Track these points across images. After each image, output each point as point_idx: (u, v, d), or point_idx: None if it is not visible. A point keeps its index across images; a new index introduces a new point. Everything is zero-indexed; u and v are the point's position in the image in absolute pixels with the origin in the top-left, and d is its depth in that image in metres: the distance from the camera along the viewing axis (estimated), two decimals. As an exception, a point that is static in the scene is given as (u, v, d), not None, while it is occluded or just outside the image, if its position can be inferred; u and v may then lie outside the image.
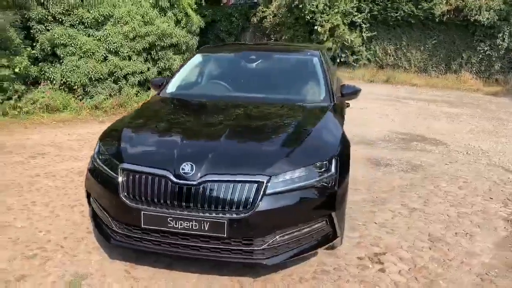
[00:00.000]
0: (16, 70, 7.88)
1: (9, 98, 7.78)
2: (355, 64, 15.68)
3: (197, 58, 4.37)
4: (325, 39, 15.09)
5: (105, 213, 2.78)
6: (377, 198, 4.36)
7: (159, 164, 2.61)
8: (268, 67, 4.19)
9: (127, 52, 9.20)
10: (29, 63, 8.25)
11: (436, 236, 3.55)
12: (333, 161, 2.78)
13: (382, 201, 4.28)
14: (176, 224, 2.52)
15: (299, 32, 16.09)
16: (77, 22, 8.93)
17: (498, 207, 4.19)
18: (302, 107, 3.51)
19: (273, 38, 17.36)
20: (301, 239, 2.70)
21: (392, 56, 15.54)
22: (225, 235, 2.50)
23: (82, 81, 8.64)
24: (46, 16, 8.62)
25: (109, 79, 9.02)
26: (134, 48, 9.25)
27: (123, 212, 2.64)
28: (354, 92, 3.90)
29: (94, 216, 2.97)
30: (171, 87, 3.99)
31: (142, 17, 9.27)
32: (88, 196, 3.04)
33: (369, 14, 15.18)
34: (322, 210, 2.71)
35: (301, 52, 4.52)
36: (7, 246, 3.14)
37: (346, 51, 15.50)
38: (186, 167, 2.54)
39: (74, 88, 8.71)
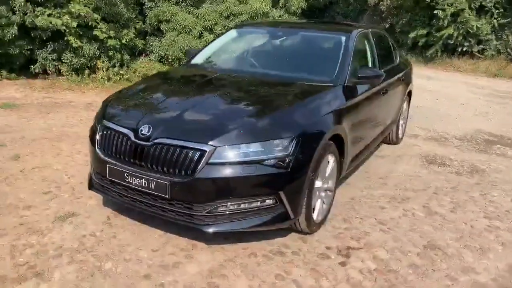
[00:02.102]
0: (123, 41, 8.95)
1: (114, 66, 8.91)
2: (480, 55, 13.83)
3: (231, 33, 4.47)
4: (445, 25, 13.59)
5: (90, 163, 3.16)
6: (399, 195, 3.98)
7: (126, 124, 2.86)
8: (292, 45, 4.09)
9: (220, 30, 9.68)
10: (134, 36, 9.27)
11: (435, 244, 3.14)
12: (293, 141, 2.68)
13: (402, 199, 3.90)
14: (130, 179, 2.75)
15: (418, 17, 14.75)
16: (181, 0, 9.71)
17: (546, 228, 3.48)
18: (302, 85, 3.39)
19: (389, 23, 16.26)
20: (247, 213, 2.69)
21: (529, 48, 13.29)
22: (168, 196, 2.64)
23: (177, 55, 9.42)
24: (156, -7, 9.55)
25: (201, 54, 9.64)
26: (227, 26, 9.69)
27: (97, 163, 2.98)
28: (373, 77, 3.58)
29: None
30: (197, 58, 4.19)
31: (239, -4, 9.61)
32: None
33: (504, -3, 13.17)
34: (269, 189, 2.65)
35: (333, 31, 4.27)
36: (35, 182, 3.76)
37: (470, 39, 13.73)
38: (145, 129, 2.73)
39: (169, 61, 9.56)
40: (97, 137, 2.97)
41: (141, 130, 2.73)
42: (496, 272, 2.85)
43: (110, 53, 8.73)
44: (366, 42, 4.26)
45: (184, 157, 2.59)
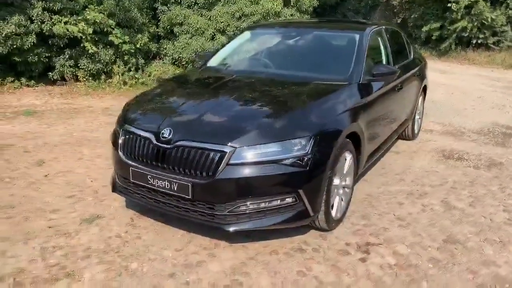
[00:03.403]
0: (138, 45, 9.10)
1: (129, 70, 9.07)
2: (495, 47, 13.63)
3: (245, 34, 4.53)
4: (459, 17, 13.42)
5: (113, 167, 3.26)
6: (417, 191, 4.00)
7: (147, 128, 2.94)
8: (306, 45, 4.12)
9: (233, 31, 9.76)
10: (148, 40, 9.42)
11: (455, 238, 3.16)
12: (311, 140, 2.73)
13: (420, 194, 3.92)
14: (154, 182, 2.83)
15: (431, 10, 14.60)
16: (193, 2, 9.81)
17: None
18: (317, 84, 3.43)
19: (402, 17, 16.14)
20: (267, 212, 2.75)
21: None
22: (190, 197, 2.72)
23: (190, 57, 9.54)
24: (169, -3, 9.69)
25: (214, 56, 9.73)
26: (240, 27, 9.76)
27: (120, 167, 3.07)
28: (387, 74, 3.60)
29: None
30: (212, 61, 4.27)
31: (251, -4, 9.67)
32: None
33: (519, -13, 12.96)
34: (289, 187, 2.71)
35: (346, 29, 4.29)
36: (60, 186, 3.89)
37: (485, 31, 13.54)
38: (166, 132, 2.81)
39: (183, 63, 9.68)
40: (120, 141, 3.07)
41: (163, 134, 2.82)
42: (518, 265, 2.86)
43: (126, 57, 8.90)
44: (379, 39, 4.28)
45: (204, 159, 2.67)
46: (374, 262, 2.84)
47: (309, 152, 2.71)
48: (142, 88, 8.80)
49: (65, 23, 8.01)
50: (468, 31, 13.50)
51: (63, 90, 8.27)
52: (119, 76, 8.85)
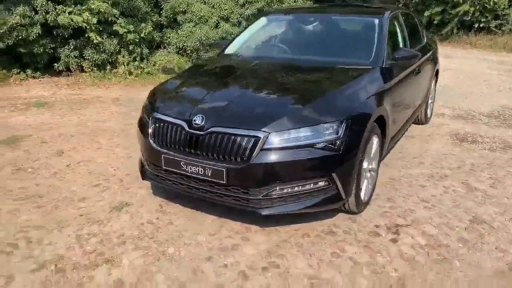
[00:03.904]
0: (142, 35, 9.03)
1: (134, 60, 9.01)
2: (497, 30, 13.64)
3: (262, 20, 4.52)
4: (461, 1, 13.42)
5: (142, 154, 3.27)
6: (437, 173, 4.05)
7: (178, 115, 2.95)
8: (325, 30, 4.12)
9: (237, 18, 9.71)
10: (152, 29, 9.35)
11: (481, 218, 3.22)
12: (343, 124, 2.76)
13: (441, 177, 3.97)
14: (187, 168, 2.86)
15: (431, -6, 14.58)
16: (196, -10, 9.72)
17: None
18: (341, 69, 3.46)
19: (402, 2, 16.08)
20: (301, 195, 2.78)
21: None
22: (224, 182, 2.75)
23: (195, 46, 9.49)
24: (169, -15, 9.59)
25: (219, 44, 9.66)
26: (243, 14, 9.71)
27: (151, 154, 3.09)
28: (409, 57, 3.62)
29: (140, 158, 3.50)
30: (230, 49, 4.26)
31: (254, -17, 9.60)
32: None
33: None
34: (322, 171, 2.74)
35: (364, 15, 4.30)
36: (83, 176, 3.91)
37: (487, 15, 13.55)
38: (198, 119, 2.83)
39: (188, 52, 9.63)
40: (150, 129, 3.08)
41: (194, 120, 2.83)
42: (545, 242, 2.92)
43: (130, 47, 8.83)
44: (396, 23, 4.28)
45: (238, 144, 2.69)
46: (405, 242, 2.89)
47: (341, 136, 2.74)
48: (147, 78, 8.78)
49: (70, 13, 7.93)
50: (470, 15, 13.51)
51: (69, 81, 8.23)
52: (124, 66, 8.81)
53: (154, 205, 3.37)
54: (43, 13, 7.70)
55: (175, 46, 9.69)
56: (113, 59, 8.77)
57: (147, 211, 3.28)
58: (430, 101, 5.56)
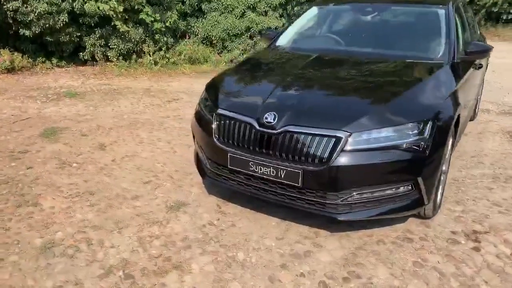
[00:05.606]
0: (167, 24, 8.82)
1: (160, 49, 8.82)
2: (525, 22, 13.24)
3: (313, 10, 4.29)
4: (489, -8, 13.02)
5: (202, 152, 3.09)
6: (501, 174, 3.83)
7: (247, 112, 2.76)
8: (384, 21, 3.89)
9: (263, 8, 9.45)
10: (177, 17, 9.12)
11: None
12: (428, 124, 2.56)
13: (506, 178, 3.75)
14: (256, 168, 2.67)
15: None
16: (222, -22, 9.46)
17: None
18: (412, 64, 3.23)
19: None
20: (381, 201, 2.60)
21: None
22: (300, 185, 2.56)
23: (221, 35, 9.26)
24: (195, -27, 9.33)
25: (245, 35, 9.42)
26: (270, 4, 9.45)
27: (214, 153, 2.91)
28: (482, 51, 3.39)
29: (196, 154, 3.32)
30: (281, 40, 4.05)
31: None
32: (194, 136, 3.40)
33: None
34: (407, 175, 2.54)
35: (426, 4, 4.04)
36: (131, 171, 3.75)
37: (516, 6, 13.15)
38: (270, 117, 2.63)
39: (213, 42, 9.41)
40: (213, 126, 2.89)
41: (266, 118, 2.64)
42: None
43: (156, 36, 8.63)
44: (458, 14, 4.03)
45: (317, 145, 2.50)
46: (488, 251, 2.70)
47: (427, 137, 2.54)
48: (173, 68, 8.59)
49: (96, 0, 7.74)
50: (498, 6, 13.11)
51: (95, 70, 8.08)
52: (149, 55, 8.62)
53: (212, 205, 3.20)
54: (70, 1, 7.51)
55: (200, 35, 9.47)
56: (138, 48, 8.58)
57: (205, 211, 3.11)
58: (478, 96, 5.32)
